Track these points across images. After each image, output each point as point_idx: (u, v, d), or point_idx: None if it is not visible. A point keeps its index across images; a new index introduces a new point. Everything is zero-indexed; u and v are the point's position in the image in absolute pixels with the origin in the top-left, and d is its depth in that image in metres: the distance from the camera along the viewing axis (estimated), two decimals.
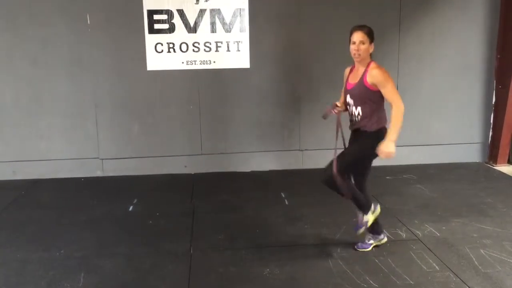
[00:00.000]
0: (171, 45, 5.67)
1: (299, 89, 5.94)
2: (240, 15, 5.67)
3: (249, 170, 6.04)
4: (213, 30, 5.69)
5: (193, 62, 5.74)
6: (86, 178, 5.80)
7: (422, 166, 6.08)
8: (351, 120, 3.63)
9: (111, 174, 5.88)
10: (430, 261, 3.61)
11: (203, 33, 5.68)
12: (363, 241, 3.82)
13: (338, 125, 3.61)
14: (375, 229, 3.79)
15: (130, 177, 5.81)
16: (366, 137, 3.50)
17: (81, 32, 5.56)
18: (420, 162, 6.18)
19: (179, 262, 3.65)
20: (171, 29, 5.63)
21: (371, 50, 3.46)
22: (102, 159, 5.84)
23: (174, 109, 5.86)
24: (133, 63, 5.68)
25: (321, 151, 5.84)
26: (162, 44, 5.65)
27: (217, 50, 5.73)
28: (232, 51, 5.75)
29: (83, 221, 4.46)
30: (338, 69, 5.75)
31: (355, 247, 3.80)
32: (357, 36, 3.41)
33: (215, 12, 5.64)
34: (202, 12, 5.62)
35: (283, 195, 5.12)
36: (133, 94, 5.77)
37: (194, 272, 3.49)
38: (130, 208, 4.80)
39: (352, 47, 3.45)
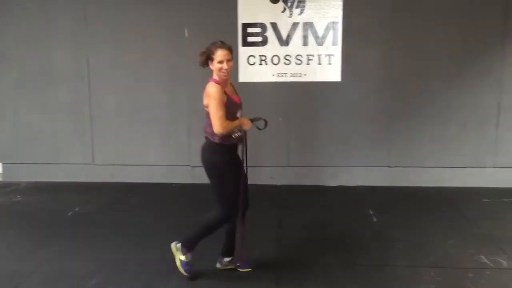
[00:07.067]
0: (263, 58, 5.77)
1: (390, 104, 5.79)
2: (333, 29, 5.65)
3: (336, 185, 5.96)
4: (305, 43, 5.71)
5: (284, 75, 5.79)
6: (176, 184, 6.04)
7: None
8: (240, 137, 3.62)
9: (200, 181, 6.03)
10: None
11: (295, 46, 5.72)
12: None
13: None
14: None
15: None
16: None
17: (178, 44, 5.83)
18: None
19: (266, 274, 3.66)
20: (264, 42, 5.73)
21: None
22: (193, 166, 6.05)
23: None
24: None
25: (411, 168, 5.69)
26: (254, 57, 5.77)
27: (308, 63, 5.74)
28: (323, 64, 5.73)
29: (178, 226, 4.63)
30: (434, 86, 5.62)
31: None
32: (225, 54, 3.44)
33: (308, 25, 5.66)
34: (295, 25, 5.67)
35: (371, 212, 4.99)
36: None
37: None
38: None
39: (220, 66, 3.44)
